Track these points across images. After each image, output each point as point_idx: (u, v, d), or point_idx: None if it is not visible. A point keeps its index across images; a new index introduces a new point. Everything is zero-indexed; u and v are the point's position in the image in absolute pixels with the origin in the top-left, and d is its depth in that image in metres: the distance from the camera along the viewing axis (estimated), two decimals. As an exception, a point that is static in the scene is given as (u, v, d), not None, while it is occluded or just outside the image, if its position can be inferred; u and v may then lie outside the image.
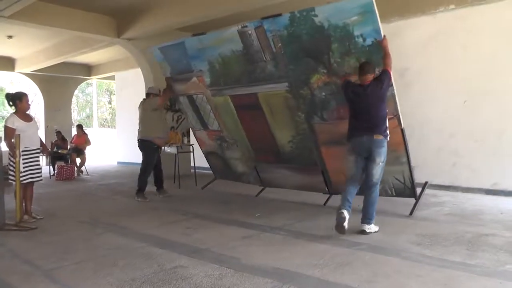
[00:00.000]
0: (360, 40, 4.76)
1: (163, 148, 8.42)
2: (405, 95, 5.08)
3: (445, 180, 7.04)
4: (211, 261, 3.64)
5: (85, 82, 18.07)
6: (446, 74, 7.03)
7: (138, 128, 7.21)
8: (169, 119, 9.83)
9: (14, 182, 5.22)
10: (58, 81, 14.69)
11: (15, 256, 3.99)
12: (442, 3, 7.12)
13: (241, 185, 7.52)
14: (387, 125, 4.62)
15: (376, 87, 4.49)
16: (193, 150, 8.76)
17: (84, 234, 4.75)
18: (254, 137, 6.59)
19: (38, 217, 5.54)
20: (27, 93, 5.73)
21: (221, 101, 6.55)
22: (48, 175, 10.31)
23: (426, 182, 5.67)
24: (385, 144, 4.54)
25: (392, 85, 4.71)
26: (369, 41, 4.72)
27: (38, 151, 5.56)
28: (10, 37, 10.18)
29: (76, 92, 18.14)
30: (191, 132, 9.48)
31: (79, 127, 11.60)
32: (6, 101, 5.58)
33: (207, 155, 7.73)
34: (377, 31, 4.61)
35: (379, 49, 4.67)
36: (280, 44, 5.35)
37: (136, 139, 7.21)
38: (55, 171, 10.25)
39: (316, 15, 4.88)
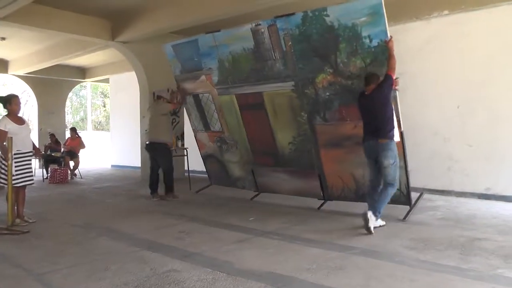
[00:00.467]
0: (367, 41, 4.94)
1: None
2: (399, 100, 5.15)
3: (439, 184, 7.06)
4: (204, 265, 3.63)
5: (79, 84, 18.01)
6: (441, 79, 7.06)
7: (147, 130, 7.35)
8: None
9: (6, 186, 5.19)
10: (52, 84, 14.61)
11: (6, 260, 3.96)
12: (436, 9, 7.16)
13: (235, 189, 7.52)
14: (394, 126, 4.84)
15: (377, 92, 4.77)
16: (187, 153, 8.73)
17: (77, 238, 4.72)
18: (255, 138, 6.67)
19: (30, 221, 5.49)
20: (17, 95, 5.67)
21: (226, 100, 6.69)
22: (41, 178, 10.25)
23: (422, 193, 5.69)
24: (392, 146, 4.80)
25: (393, 88, 4.85)
26: (375, 42, 4.91)
27: (31, 154, 5.52)
28: (3, 38, 10.13)
29: (70, 94, 18.05)
30: (185, 136, 9.51)
31: (73, 130, 11.55)
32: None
33: (205, 158, 7.77)
34: (384, 32, 4.80)
35: (384, 51, 4.82)
36: (290, 43, 5.53)
37: (146, 141, 7.38)
38: (49, 174, 10.19)
39: (327, 15, 5.08)
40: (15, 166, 5.20)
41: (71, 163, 10.82)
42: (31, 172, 5.52)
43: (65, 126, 16.14)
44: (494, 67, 6.67)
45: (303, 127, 5.96)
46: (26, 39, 10.33)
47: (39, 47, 11.29)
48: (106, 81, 15.43)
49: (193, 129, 7.79)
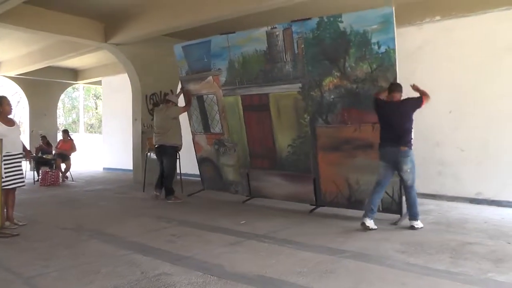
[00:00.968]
0: (376, 47, 5.21)
1: (149, 154, 8.43)
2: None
3: (431, 189, 7.10)
4: (195, 268, 3.61)
5: (71, 86, 17.92)
6: (432, 84, 7.05)
7: (156, 134, 7.46)
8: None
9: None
10: (44, 85, 14.51)
11: (-5, 263, 3.91)
12: (428, 15, 7.23)
13: (227, 192, 7.50)
14: (412, 137, 5.09)
15: (406, 106, 5.07)
16: (179, 156, 8.70)
17: (67, 241, 4.68)
18: (254, 140, 6.79)
19: (20, 224, 5.44)
20: (6, 96, 5.60)
21: (231, 101, 6.85)
22: (32, 180, 10.17)
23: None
24: (410, 153, 5.05)
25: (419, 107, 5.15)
26: (383, 49, 5.16)
27: (21, 156, 5.47)
28: (-5, 40, 10.08)
29: (62, 96, 17.95)
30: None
31: (65, 132, 11.45)
32: None
33: (201, 162, 7.83)
34: (392, 39, 5.08)
35: (390, 57, 5.17)
36: (302, 46, 5.77)
37: (155, 145, 7.48)
38: (40, 177, 10.09)
39: (341, 21, 5.42)
40: (5, 168, 5.14)
41: (63, 166, 10.75)
42: (22, 174, 5.47)
43: (57, 128, 16.04)
44: (485, 73, 6.73)
45: (304, 129, 6.09)
46: (18, 40, 10.26)
47: (31, 49, 11.22)
48: (99, 83, 15.36)
49: (191, 132, 7.84)
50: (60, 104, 24.12)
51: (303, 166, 6.26)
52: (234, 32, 6.44)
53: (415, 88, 5.27)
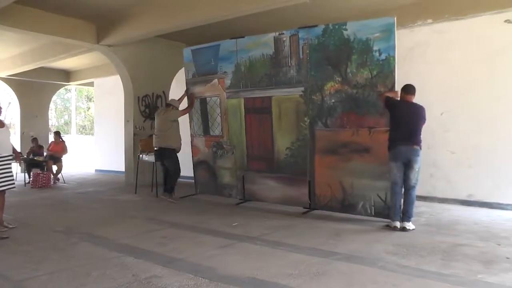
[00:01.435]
0: (377, 54, 5.48)
1: (141, 156, 8.40)
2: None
3: (423, 191, 7.11)
4: (186, 271, 3.60)
5: (64, 88, 17.82)
6: (424, 87, 7.12)
7: (155, 136, 7.62)
8: (148, 127, 9.79)
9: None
10: (35, 87, 14.42)
11: (-16, 266, 3.87)
12: (420, 17, 7.27)
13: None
14: (421, 138, 5.28)
15: (420, 109, 5.29)
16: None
17: (58, 244, 4.64)
18: (253, 142, 6.90)
19: (10, 226, 5.39)
20: None
21: (234, 104, 7.02)
22: (23, 182, 10.09)
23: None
24: (420, 153, 5.24)
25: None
26: (383, 56, 5.42)
27: (10, 158, 5.42)
28: (-14, 40, 10.00)
29: (54, 98, 17.84)
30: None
31: (57, 134, 11.37)
32: None
33: (196, 165, 7.88)
34: (393, 47, 5.39)
35: (390, 64, 5.42)
36: (307, 51, 6.03)
37: (155, 147, 7.65)
38: (31, 179, 10.02)
39: (346, 29, 5.74)
40: (-5, 170, 5.10)
41: (54, 168, 10.68)
42: (12, 176, 5.41)
43: (49, 130, 15.93)
44: (476, 75, 6.78)
45: (303, 132, 6.22)
46: (8, 41, 10.18)
47: (22, 49, 11.14)
48: (91, 84, 15.28)
49: (191, 134, 7.91)
50: (52, 106, 23.96)
51: (300, 169, 6.33)
52: (243, 37, 6.77)
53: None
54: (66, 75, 14.82)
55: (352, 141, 5.77)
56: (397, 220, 5.18)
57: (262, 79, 6.60)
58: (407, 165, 5.20)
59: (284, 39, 6.30)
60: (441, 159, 7.10)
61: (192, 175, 8.07)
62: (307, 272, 3.54)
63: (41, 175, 9.84)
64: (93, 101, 17.72)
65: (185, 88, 7.85)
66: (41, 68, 12.87)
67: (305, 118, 6.18)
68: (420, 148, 5.22)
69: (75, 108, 29.05)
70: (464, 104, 6.91)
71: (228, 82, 7.04)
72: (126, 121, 9.83)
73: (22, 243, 4.69)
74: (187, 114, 7.84)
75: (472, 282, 3.34)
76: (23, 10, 7.69)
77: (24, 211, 6.67)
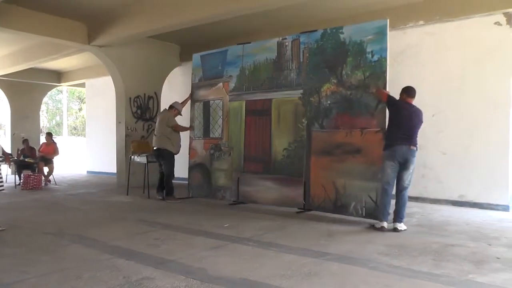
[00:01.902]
0: (370, 56, 5.64)
1: (133, 157, 8.36)
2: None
3: (414, 191, 7.16)
4: (178, 272, 3.58)
5: (55, 88, 17.71)
6: (416, 88, 7.16)
7: (154, 135, 7.79)
8: (140, 128, 9.76)
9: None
10: (26, 87, 14.32)
11: (-27, 269, 3.82)
12: (412, 19, 7.32)
13: (212, 195, 7.48)
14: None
15: (418, 111, 5.33)
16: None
17: (48, 246, 4.59)
18: (251, 144, 7.02)
19: (0, 228, 5.34)
20: None
21: (236, 106, 7.20)
22: (14, 184, 10.00)
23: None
24: (416, 154, 5.28)
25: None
26: (376, 58, 5.56)
27: (0, 160, 5.37)
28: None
29: (46, 99, 17.71)
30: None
31: (49, 135, 11.30)
32: None
33: (192, 168, 7.95)
34: (385, 49, 5.54)
35: (382, 65, 5.55)
36: (307, 55, 6.25)
37: (153, 147, 7.82)
38: (21, 180, 9.93)
39: (342, 32, 6.00)
40: (-16, 172, 5.05)
41: (45, 169, 10.59)
42: (1, 178, 5.37)
43: (40, 131, 15.82)
44: (467, 77, 6.84)
45: (301, 133, 6.33)
46: (-1, 41, 10.11)
47: (12, 49, 11.06)
48: (82, 85, 15.22)
49: (190, 137, 7.98)
50: (43, 107, 23.79)
51: (296, 170, 6.38)
52: (250, 43, 7.16)
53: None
54: (58, 76, 14.72)
55: (345, 142, 5.84)
56: (385, 221, 5.18)
57: (264, 82, 6.84)
58: (403, 166, 5.22)
59: (287, 43, 6.59)
60: (433, 160, 7.14)
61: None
62: (299, 273, 3.53)
63: (32, 176, 9.76)
64: (85, 102, 17.61)
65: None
66: (32, 68, 12.78)
67: (303, 120, 6.30)
68: (417, 150, 5.26)
69: (66, 109, 28.87)
70: (455, 105, 6.96)
71: (232, 85, 7.26)
72: (118, 122, 9.78)
73: (11, 245, 4.64)
74: (189, 117, 8.01)
75: (463, 282, 3.35)
76: (12, 10, 7.64)
77: (14, 213, 6.60)
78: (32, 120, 14.79)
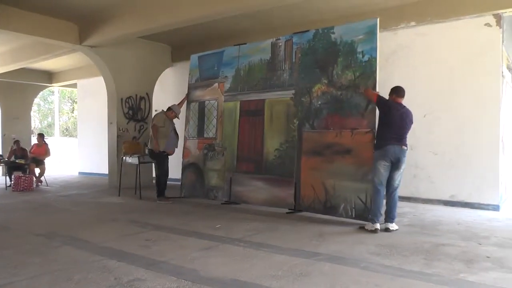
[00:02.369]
0: (360, 56, 5.66)
1: (125, 158, 8.32)
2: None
3: (406, 191, 7.19)
4: (169, 273, 3.57)
5: (47, 89, 17.59)
6: (407, 89, 7.19)
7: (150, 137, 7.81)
8: (131, 129, 9.72)
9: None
10: (17, 88, 14.22)
11: (-38, 271, 3.78)
12: (403, 20, 7.35)
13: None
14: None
15: (409, 113, 5.36)
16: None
17: (39, 248, 4.56)
18: (244, 144, 7.06)
19: (-10, 230, 5.30)
20: None
21: (230, 107, 7.26)
22: (4, 185, 9.92)
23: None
24: (406, 154, 5.29)
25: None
26: (366, 57, 5.59)
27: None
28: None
29: (37, 100, 17.58)
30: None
31: (41, 136, 11.21)
32: None
33: (185, 168, 7.97)
34: (375, 49, 5.57)
35: (372, 65, 5.57)
36: (299, 55, 6.29)
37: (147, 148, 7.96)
38: (12, 182, 9.84)
39: (333, 32, 6.04)
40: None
41: (37, 170, 10.52)
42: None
43: (31, 132, 15.71)
44: (458, 77, 6.88)
45: (292, 134, 6.34)
46: (-11, 41, 10.02)
47: (3, 49, 10.98)
48: (74, 86, 15.12)
49: (184, 136, 8.02)
50: (35, 108, 23.63)
51: (287, 170, 6.38)
52: (245, 43, 7.23)
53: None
54: (49, 76, 14.63)
55: (335, 143, 5.84)
56: (378, 222, 5.16)
57: (258, 83, 6.92)
58: (395, 165, 5.23)
59: (280, 44, 6.65)
60: (424, 160, 7.18)
61: (180, 177, 8.04)
62: (290, 273, 3.53)
63: (22, 178, 9.68)
64: (76, 102, 17.50)
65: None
66: (23, 69, 12.68)
67: (295, 120, 6.31)
68: (407, 149, 5.28)
69: (58, 109, 28.69)
70: (446, 105, 7.00)
71: (227, 86, 7.31)
72: (110, 123, 9.74)
73: (1, 247, 4.59)
74: (185, 117, 8.05)
75: (453, 281, 3.37)
76: (3, 10, 7.58)
77: (4, 215, 6.56)
78: (23, 121, 14.68)
